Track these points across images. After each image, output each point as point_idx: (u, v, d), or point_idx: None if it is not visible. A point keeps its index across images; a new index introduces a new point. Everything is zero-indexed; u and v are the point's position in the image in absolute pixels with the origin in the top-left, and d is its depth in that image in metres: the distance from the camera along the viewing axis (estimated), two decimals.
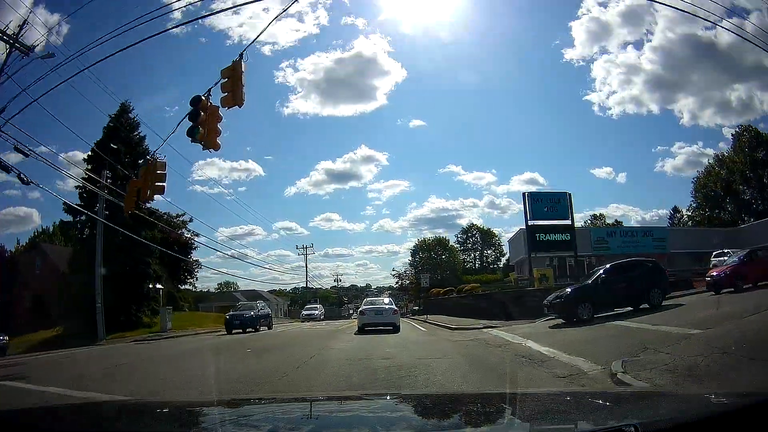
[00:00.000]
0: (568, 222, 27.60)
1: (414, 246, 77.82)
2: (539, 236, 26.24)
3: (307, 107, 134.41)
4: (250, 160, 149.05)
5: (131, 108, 41.54)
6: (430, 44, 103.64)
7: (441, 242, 76.20)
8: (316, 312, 54.40)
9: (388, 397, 3.36)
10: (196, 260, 73.98)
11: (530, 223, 26.35)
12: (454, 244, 77.33)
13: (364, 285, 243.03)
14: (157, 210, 38.61)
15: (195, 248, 73.97)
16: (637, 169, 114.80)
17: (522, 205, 26.54)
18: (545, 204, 26.92)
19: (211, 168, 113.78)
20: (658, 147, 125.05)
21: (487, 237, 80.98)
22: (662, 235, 45.41)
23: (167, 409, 2.86)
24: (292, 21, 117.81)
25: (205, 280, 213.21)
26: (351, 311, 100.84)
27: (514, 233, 48.81)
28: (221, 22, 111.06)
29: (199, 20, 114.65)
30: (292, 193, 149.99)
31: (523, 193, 26.96)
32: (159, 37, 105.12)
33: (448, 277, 60.58)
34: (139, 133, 41.54)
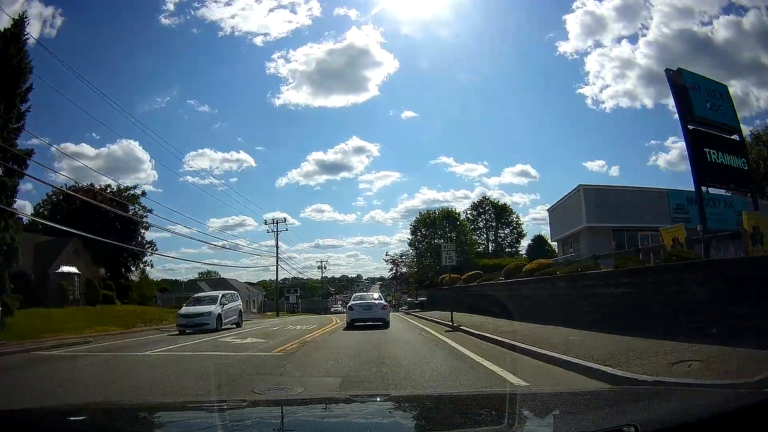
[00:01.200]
0: (736, 137, 14.29)
1: (415, 221, 61.64)
2: (711, 154, 12.50)
3: (298, 98, 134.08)
4: (241, 151, 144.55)
5: (26, 20, 27.85)
6: (424, 36, 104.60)
7: (449, 215, 59.86)
8: (211, 311, 21.76)
9: (378, 398, 3.18)
10: (150, 242, 60.33)
11: (691, 126, 12.65)
12: (463, 220, 61.92)
13: (354, 275, 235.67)
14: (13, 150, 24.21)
15: (146, 228, 60.21)
16: (630, 162, 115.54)
17: (672, 97, 12.96)
18: (704, 96, 13.23)
19: (203, 159, 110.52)
20: (652, 141, 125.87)
21: (502, 214, 66.10)
22: (743, 209, 33.40)
23: (162, 411, 2.80)
24: (285, 12, 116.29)
25: (194, 271, 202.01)
26: (339, 303, 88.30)
27: (558, 201, 35.35)
28: (213, 13, 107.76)
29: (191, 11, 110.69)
30: (284, 183, 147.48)
31: (669, 71, 13.21)
32: (151, 29, 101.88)
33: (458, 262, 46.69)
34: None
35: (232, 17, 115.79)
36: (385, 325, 18.71)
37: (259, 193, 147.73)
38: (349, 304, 21.25)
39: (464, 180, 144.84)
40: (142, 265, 60.33)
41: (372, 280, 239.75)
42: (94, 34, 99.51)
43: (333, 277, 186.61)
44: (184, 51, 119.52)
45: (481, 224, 65.48)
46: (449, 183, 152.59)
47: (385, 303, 21.10)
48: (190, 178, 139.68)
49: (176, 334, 20.19)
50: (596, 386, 5.86)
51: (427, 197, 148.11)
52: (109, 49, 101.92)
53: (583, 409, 2.28)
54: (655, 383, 5.47)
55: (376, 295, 23.30)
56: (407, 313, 36.54)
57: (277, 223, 57.18)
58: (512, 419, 2.02)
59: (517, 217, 67.96)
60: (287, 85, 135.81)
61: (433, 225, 56.61)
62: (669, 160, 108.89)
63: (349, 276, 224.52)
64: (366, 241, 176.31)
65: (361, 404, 2.86)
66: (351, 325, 18.97)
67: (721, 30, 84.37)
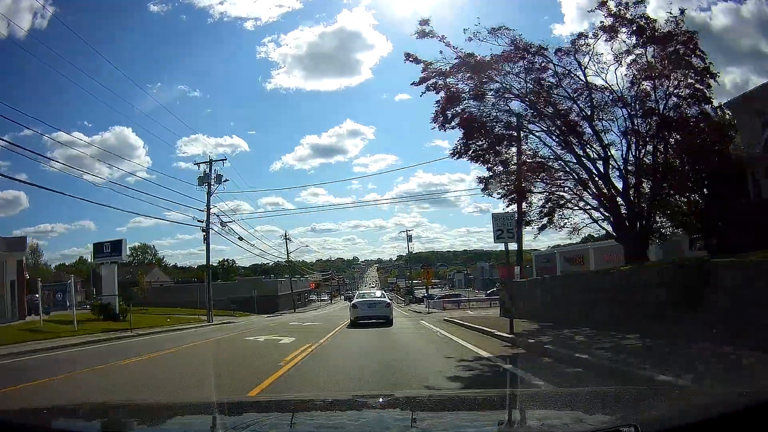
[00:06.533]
0: None
1: None
2: None
3: (290, 82, 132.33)
4: (234, 136, 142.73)
5: None
6: (416, 16, 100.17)
7: None
8: None
9: (381, 399, 3.08)
10: None
11: None
12: None
13: (351, 258, 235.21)
14: None
15: None
16: None
17: None
18: None
19: (196, 144, 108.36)
20: None
21: None
22: None
23: (163, 410, 2.79)
24: None
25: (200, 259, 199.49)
26: (311, 296, 78.48)
27: None
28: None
29: None
30: (278, 168, 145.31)
31: None
32: (139, 16, 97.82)
33: None
34: None
35: (221, 3, 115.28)
36: (389, 322, 19.73)
37: (254, 178, 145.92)
38: (353, 302, 22.41)
39: (460, 162, 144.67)
40: None
41: (368, 263, 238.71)
42: (84, 23, 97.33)
43: (328, 260, 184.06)
44: (172, 38, 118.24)
45: None
46: (445, 166, 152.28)
47: (389, 301, 22.61)
48: (183, 164, 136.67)
49: None
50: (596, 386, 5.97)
51: (422, 180, 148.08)
52: (98, 37, 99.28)
53: (583, 409, 2.28)
54: None
55: (379, 294, 24.96)
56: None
57: None
58: (512, 419, 2.09)
59: None
60: (278, 69, 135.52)
61: None
62: None
63: (345, 259, 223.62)
64: (362, 225, 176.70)
65: (362, 405, 2.85)
66: (355, 323, 19.76)
67: (719, 16, 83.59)
